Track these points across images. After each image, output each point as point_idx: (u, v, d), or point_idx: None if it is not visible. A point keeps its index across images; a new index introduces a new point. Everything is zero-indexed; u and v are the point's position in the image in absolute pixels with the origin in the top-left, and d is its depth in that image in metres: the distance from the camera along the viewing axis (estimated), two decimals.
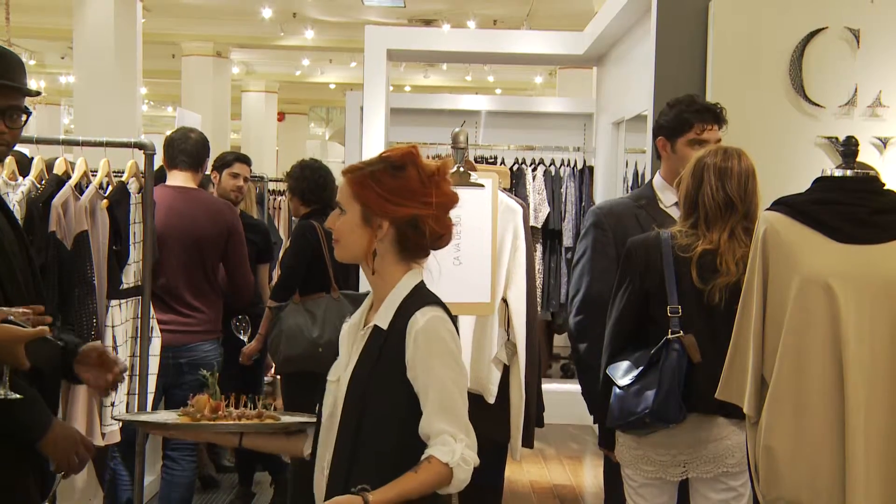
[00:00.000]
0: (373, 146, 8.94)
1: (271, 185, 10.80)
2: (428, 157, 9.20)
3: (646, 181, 6.10)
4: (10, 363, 2.72)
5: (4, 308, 2.73)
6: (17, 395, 2.77)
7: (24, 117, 3.18)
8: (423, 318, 2.83)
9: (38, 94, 3.33)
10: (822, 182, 3.49)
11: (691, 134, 4.28)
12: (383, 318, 2.88)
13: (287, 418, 3.18)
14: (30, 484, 3.22)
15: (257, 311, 6.52)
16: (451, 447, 2.74)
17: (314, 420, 3.04)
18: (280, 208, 10.76)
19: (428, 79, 23.45)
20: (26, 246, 3.27)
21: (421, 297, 2.90)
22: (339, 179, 3.08)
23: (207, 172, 6.93)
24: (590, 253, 4.44)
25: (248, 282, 5.84)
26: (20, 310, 2.74)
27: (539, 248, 9.90)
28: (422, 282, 2.95)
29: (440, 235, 2.91)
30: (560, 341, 11.55)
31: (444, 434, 2.76)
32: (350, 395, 2.85)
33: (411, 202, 2.86)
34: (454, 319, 4.48)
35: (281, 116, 27.74)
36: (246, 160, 6.86)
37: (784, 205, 3.43)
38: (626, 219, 4.38)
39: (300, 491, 5.44)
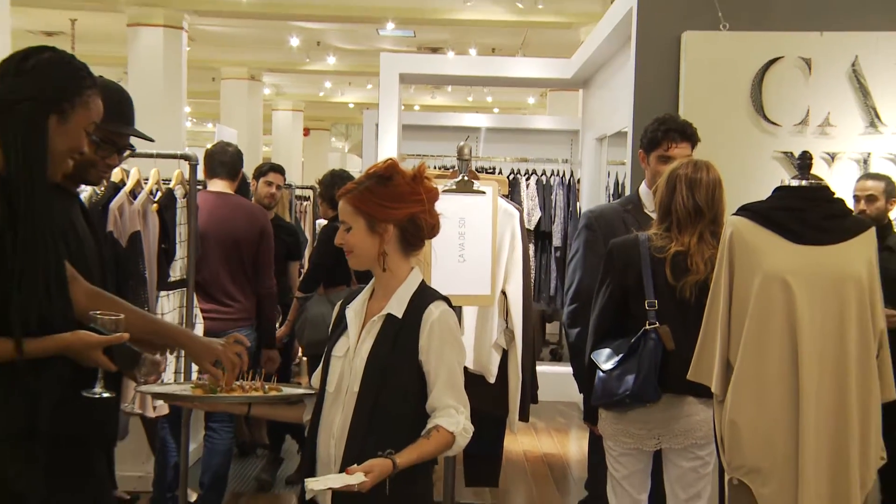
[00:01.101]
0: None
1: (298, 192, 10.81)
2: (434, 168, 9.17)
3: (625, 189, 6.10)
4: (93, 366, 2.64)
5: (97, 313, 2.65)
6: (110, 394, 2.74)
7: (127, 152, 3.24)
8: (436, 310, 2.88)
9: (152, 140, 3.35)
10: (780, 191, 3.50)
11: (660, 150, 4.32)
12: (397, 309, 2.90)
13: (288, 390, 3.19)
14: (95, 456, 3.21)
15: (287, 300, 6.54)
16: (456, 418, 2.82)
17: (311, 392, 3.08)
18: (305, 212, 10.77)
19: (434, 99, 23.44)
20: (101, 248, 3.27)
21: (430, 292, 2.96)
22: None
23: (248, 181, 6.96)
24: (582, 251, 4.45)
25: (268, 276, 5.79)
26: (111, 316, 2.66)
27: (532, 247, 9.89)
28: (423, 279, 3.01)
29: (433, 225, 2.97)
30: (550, 329, 11.56)
31: (449, 408, 2.82)
32: (368, 372, 2.86)
33: (406, 203, 2.90)
34: (458, 309, 4.50)
35: (306, 132, 27.70)
36: (280, 170, 6.86)
37: (748, 210, 3.45)
38: (614, 221, 4.39)
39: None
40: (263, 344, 5.86)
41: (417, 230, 2.93)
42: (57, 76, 2.57)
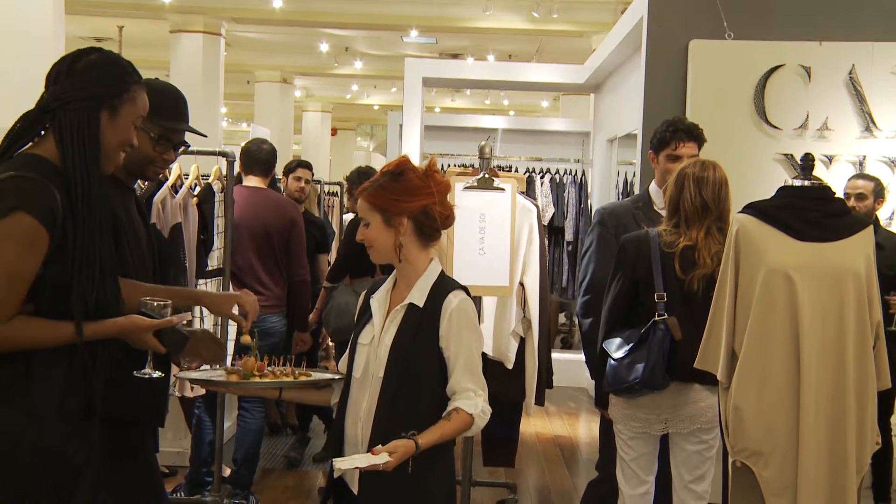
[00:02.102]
0: (410, 157, 8.91)
1: (326, 188, 10.80)
2: (453, 167, 9.13)
3: (634, 188, 6.07)
4: (143, 348, 2.67)
5: (147, 298, 2.67)
6: (160, 374, 2.75)
7: (182, 148, 3.23)
8: (455, 299, 2.87)
9: (205, 136, 3.36)
10: (784, 190, 3.48)
11: (669, 149, 4.29)
12: (418, 298, 2.88)
13: (317, 375, 3.18)
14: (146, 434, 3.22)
15: (316, 290, 6.54)
16: (474, 401, 2.81)
17: (338, 376, 3.06)
18: (333, 206, 10.75)
19: (454, 102, 23.39)
20: (153, 240, 3.28)
21: (449, 282, 2.95)
22: None
23: (278, 176, 6.96)
24: (595, 245, 4.43)
25: (301, 264, 5.77)
26: (159, 302, 2.68)
27: (546, 241, 9.85)
28: (442, 270, 2.99)
29: (447, 216, 2.95)
30: (561, 318, 11.53)
31: (468, 391, 2.82)
32: (392, 359, 2.85)
33: (418, 196, 2.89)
34: (478, 300, 4.48)
35: (334, 132, 27.69)
36: (307, 166, 6.84)
37: (753, 209, 3.43)
38: (625, 218, 4.37)
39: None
40: (296, 327, 5.86)
41: (431, 221, 2.91)
42: (105, 75, 2.58)
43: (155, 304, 2.66)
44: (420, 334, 2.85)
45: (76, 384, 2.53)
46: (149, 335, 2.62)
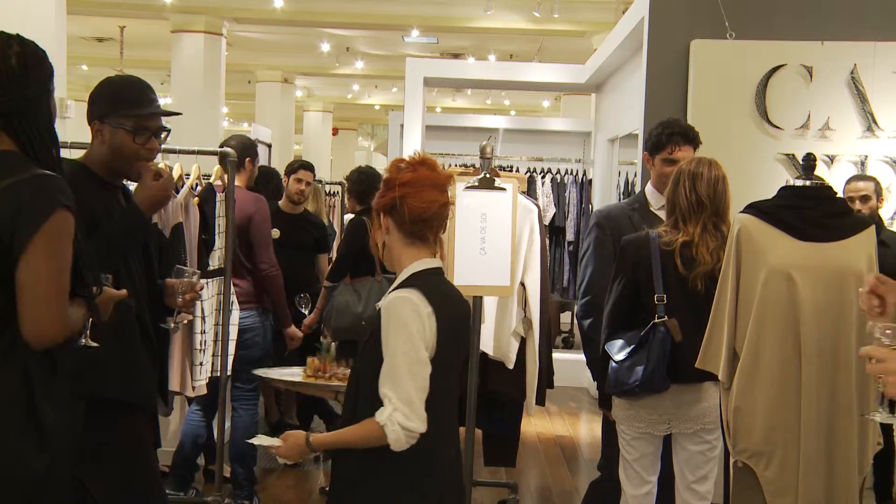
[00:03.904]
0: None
1: (327, 188, 10.81)
2: (454, 167, 9.13)
3: (635, 188, 6.06)
4: (100, 317, 2.76)
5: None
6: (95, 344, 2.79)
7: (164, 134, 3.26)
8: (389, 297, 2.76)
9: (179, 113, 3.39)
10: (785, 190, 3.47)
11: (664, 153, 4.29)
12: (384, 300, 2.80)
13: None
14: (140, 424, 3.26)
15: (315, 289, 6.53)
16: (386, 409, 2.65)
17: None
18: (334, 206, 10.76)
19: (455, 101, 23.38)
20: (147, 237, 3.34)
21: (409, 281, 2.80)
22: None
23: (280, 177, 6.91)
24: (592, 248, 4.43)
25: (263, 259, 5.56)
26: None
27: (547, 241, 9.85)
28: (428, 269, 2.83)
29: (419, 209, 2.79)
30: (563, 318, 11.51)
31: (385, 397, 2.66)
32: (356, 363, 2.87)
33: (388, 190, 2.82)
34: (478, 299, 4.46)
35: (335, 131, 27.66)
36: (309, 167, 6.80)
37: (755, 209, 3.43)
38: (621, 220, 4.37)
39: None
40: (280, 325, 5.82)
41: (403, 214, 2.79)
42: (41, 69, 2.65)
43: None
44: (372, 336, 2.78)
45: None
46: (111, 305, 2.78)
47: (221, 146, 5.63)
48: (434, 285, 2.80)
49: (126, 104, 3.13)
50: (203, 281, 4.91)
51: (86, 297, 2.58)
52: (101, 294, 2.68)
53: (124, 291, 2.83)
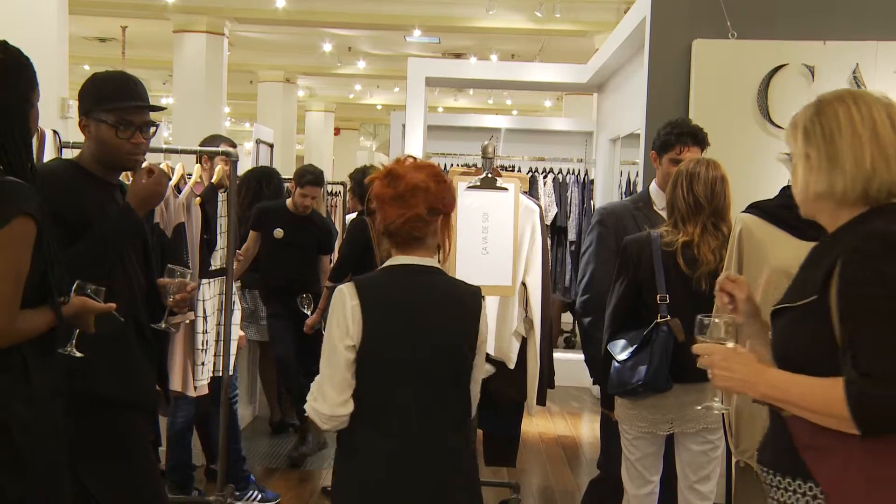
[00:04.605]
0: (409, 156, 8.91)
1: (328, 188, 10.81)
2: (456, 166, 9.11)
3: (637, 187, 6.06)
4: (81, 328, 2.77)
5: (89, 284, 2.78)
6: (80, 354, 2.80)
7: (152, 129, 3.23)
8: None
9: (163, 108, 3.38)
10: (787, 190, 3.44)
11: (672, 153, 4.28)
12: None
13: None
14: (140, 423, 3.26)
15: (318, 290, 6.53)
16: (311, 393, 2.83)
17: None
18: (336, 206, 10.75)
19: (457, 101, 23.39)
20: (145, 236, 3.32)
21: (367, 275, 2.92)
22: None
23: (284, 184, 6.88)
24: (594, 246, 4.42)
25: None
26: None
27: (549, 241, 9.84)
28: (397, 265, 2.86)
29: (386, 224, 2.83)
30: (564, 318, 11.51)
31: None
32: None
33: (370, 202, 2.88)
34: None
35: (337, 131, 27.69)
36: (318, 183, 6.61)
37: (757, 208, 3.41)
38: (625, 218, 4.36)
39: None
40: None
41: (377, 223, 2.87)
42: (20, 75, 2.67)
43: (96, 287, 2.80)
44: None
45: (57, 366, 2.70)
46: (91, 317, 2.76)
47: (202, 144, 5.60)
48: (384, 280, 2.86)
49: (107, 98, 3.14)
50: (205, 281, 4.93)
51: (52, 305, 2.57)
52: (69, 303, 2.66)
53: (111, 305, 2.81)
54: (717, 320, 2.50)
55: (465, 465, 2.90)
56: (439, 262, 2.94)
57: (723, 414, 3.49)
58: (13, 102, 2.56)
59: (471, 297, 2.90)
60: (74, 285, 2.73)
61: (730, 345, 2.43)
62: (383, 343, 2.79)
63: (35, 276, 2.52)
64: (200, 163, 5.01)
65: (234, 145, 6.02)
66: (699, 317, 2.54)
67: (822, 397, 2.11)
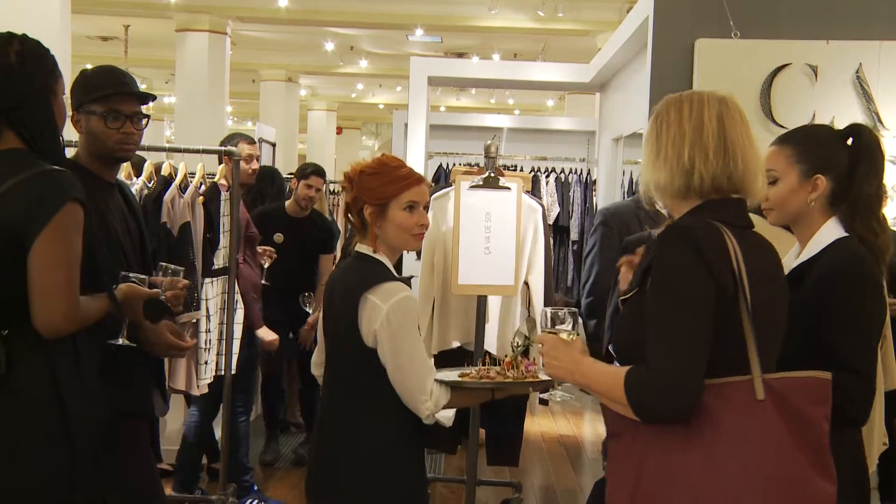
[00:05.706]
0: (415, 156, 8.92)
1: (331, 187, 10.82)
2: (458, 165, 9.09)
3: (640, 187, 6.03)
4: (130, 316, 2.83)
5: (130, 273, 2.85)
6: (132, 344, 2.81)
7: (144, 121, 3.23)
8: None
9: (154, 98, 3.39)
10: None
11: None
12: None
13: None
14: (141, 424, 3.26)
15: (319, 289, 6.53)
16: None
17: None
18: (338, 205, 10.75)
19: (459, 101, 23.39)
20: (142, 232, 3.31)
21: None
22: None
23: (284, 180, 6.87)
24: (598, 247, 4.42)
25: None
26: (140, 276, 2.95)
27: (550, 241, 9.83)
28: (367, 257, 2.99)
29: (367, 224, 2.98)
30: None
31: None
32: None
33: None
34: (482, 298, 4.45)
35: (339, 130, 27.68)
36: (321, 173, 6.61)
37: (758, 208, 3.40)
38: (628, 218, 4.36)
39: None
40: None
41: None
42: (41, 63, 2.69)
43: (140, 276, 2.87)
44: None
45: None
46: (140, 303, 2.83)
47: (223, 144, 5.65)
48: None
49: (95, 90, 3.16)
50: (208, 280, 4.94)
51: (107, 292, 2.64)
52: (118, 288, 2.73)
53: (156, 291, 2.89)
54: (549, 311, 2.61)
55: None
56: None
57: None
58: (35, 90, 2.57)
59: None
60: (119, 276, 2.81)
61: (563, 335, 2.52)
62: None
63: (84, 261, 2.56)
64: (222, 163, 5.03)
65: (253, 142, 6.08)
66: (543, 309, 2.70)
67: (613, 385, 2.21)
